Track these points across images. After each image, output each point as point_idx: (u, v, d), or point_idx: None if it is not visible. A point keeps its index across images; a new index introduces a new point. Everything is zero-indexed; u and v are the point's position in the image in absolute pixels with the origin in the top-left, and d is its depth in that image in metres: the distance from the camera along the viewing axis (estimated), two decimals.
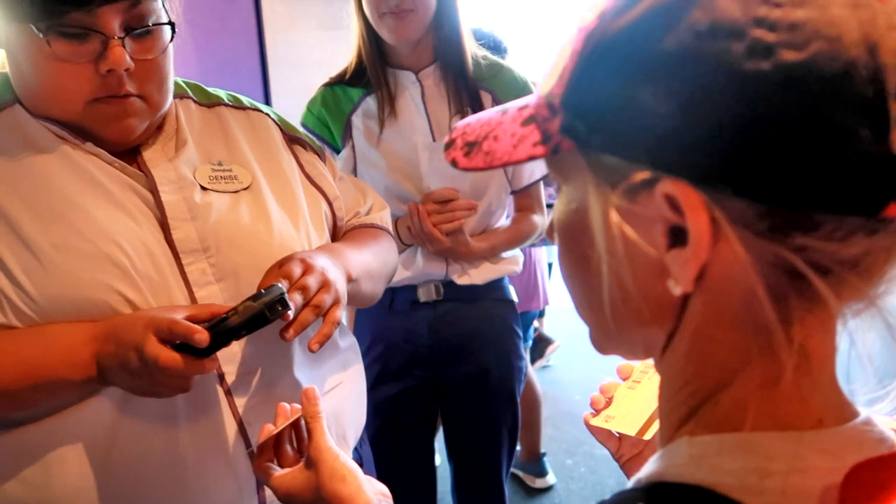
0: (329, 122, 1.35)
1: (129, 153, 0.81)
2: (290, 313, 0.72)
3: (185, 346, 0.68)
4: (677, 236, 0.33)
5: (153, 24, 0.75)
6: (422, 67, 1.33)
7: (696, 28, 0.30)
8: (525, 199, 1.47)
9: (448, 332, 1.40)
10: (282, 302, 0.71)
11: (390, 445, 1.46)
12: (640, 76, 0.32)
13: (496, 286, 1.45)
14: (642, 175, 0.32)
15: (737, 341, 0.35)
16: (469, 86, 1.32)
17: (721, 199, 0.31)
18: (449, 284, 1.39)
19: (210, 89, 0.94)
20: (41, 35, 0.69)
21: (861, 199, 0.29)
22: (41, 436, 0.73)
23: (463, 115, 1.30)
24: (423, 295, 1.39)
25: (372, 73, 1.31)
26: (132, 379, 0.69)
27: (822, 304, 0.33)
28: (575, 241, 0.38)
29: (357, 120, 1.35)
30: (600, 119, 0.33)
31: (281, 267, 0.77)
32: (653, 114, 0.31)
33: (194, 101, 0.91)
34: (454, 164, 0.40)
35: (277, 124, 0.96)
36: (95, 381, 0.71)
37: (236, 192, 0.84)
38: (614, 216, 0.34)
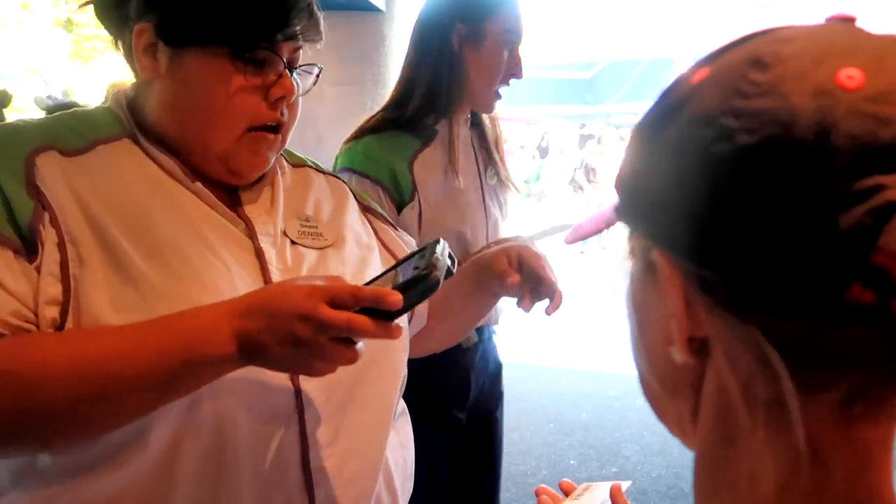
0: (397, 170, 1.31)
1: (227, 195, 0.84)
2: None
3: (366, 312, 0.64)
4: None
5: (305, 66, 0.83)
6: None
7: (686, 117, 0.33)
8: None
9: (482, 376, 1.46)
10: (451, 256, 0.70)
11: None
12: (647, 158, 0.36)
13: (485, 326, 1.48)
14: (644, 243, 0.37)
15: (750, 426, 0.33)
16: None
17: (694, 270, 0.33)
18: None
19: (295, 153, 1.00)
20: (240, 59, 0.76)
21: (812, 278, 0.29)
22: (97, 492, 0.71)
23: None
24: (466, 340, 1.38)
25: (446, 126, 1.34)
26: (293, 351, 0.65)
27: (834, 388, 0.31)
28: (628, 312, 0.41)
29: (419, 168, 1.32)
30: (627, 197, 0.38)
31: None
32: (652, 190, 0.35)
33: (286, 160, 0.96)
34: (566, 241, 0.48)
35: (353, 192, 1.01)
36: (235, 358, 0.66)
37: (322, 248, 0.87)
38: (635, 282, 0.38)
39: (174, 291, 0.72)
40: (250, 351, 0.66)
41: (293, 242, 0.84)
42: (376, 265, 0.92)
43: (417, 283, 0.65)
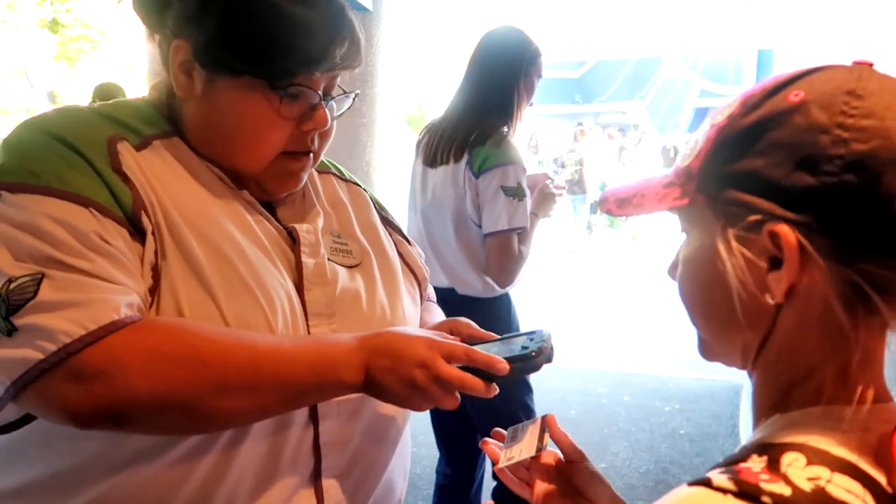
0: None
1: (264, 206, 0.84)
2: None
3: (468, 368, 0.73)
4: (774, 262, 0.47)
5: (342, 93, 0.83)
6: None
7: (797, 126, 0.46)
8: None
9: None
10: (553, 346, 0.79)
11: None
12: (757, 153, 0.47)
13: None
14: (755, 217, 0.47)
15: (817, 343, 0.48)
16: None
17: (809, 235, 0.45)
18: None
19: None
20: (278, 93, 0.75)
21: None
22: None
23: None
24: None
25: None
26: (409, 391, 0.72)
27: (880, 314, 0.46)
28: (702, 268, 0.52)
29: None
30: (727, 181, 0.49)
31: (455, 329, 0.88)
32: (763, 177, 0.47)
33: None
34: (609, 213, 0.58)
35: (372, 202, 1.01)
36: (359, 387, 0.73)
37: (351, 266, 0.88)
38: (734, 243, 0.48)
39: (242, 296, 0.73)
40: (372, 383, 0.73)
41: (328, 259, 0.85)
42: (399, 280, 0.94)
43: (524, 360, 0.75)
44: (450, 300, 1.76)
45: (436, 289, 1.72)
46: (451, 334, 0.83)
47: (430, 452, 3.11)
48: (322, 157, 0.98)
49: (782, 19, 4.19)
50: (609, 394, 3.90)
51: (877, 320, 0.47)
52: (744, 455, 0.46)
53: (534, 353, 0.75)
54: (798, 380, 0.49)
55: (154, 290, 0.70)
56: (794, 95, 0.47)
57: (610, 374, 4.16)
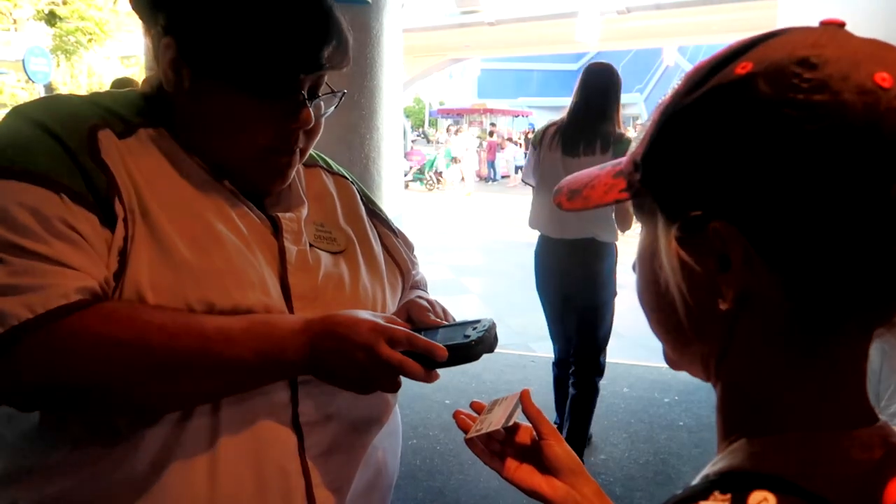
0: None
1: (249, 196, 0.85)
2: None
3: (411, 353, 0.75)
4: (725, 263, 0.40)
5: (328, 92, 0.84)
6: None
7: (741, 104, 0.39)
8: None
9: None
10: (496, 336, 0.81)
11: None
12: (698, 139, 0.40)
13: None
14: (696, 213, 0.41)
15: (781, 357, 0.41)
16: None
17: (754, 233, 0.38)
18: None
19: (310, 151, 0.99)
20: (258, 98, 0.77)
21: (871, 234, 0.36)
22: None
23: None
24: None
25: None
26: (351, 373, 0.75)
27: (848, 324, 0.39)
28: (649, 267, 0.46)
29: None
30: (669, 171, 0.42)
31: (418, 313, 0.89)
32: (705, 166, 0.40)
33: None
34: (559, 205, 0.51)
35: (359, 194, 1.03)
36: (304, 368, 0.76)
37: (335, 253, 0.90)
38: (673, 242, 0.42)
39: (212, 281, 0.74)
40: (315, 364, 0.75)
41: (311, 245, 0.87)
42: (381, 270, 0.96)
43: (465, 349, 0.77)
44: (589, 246, 2.71)
45: (577, 239, 2.70)
46: (410, 317, 0.87)
47: (428, 444, 3.12)
48: (312, 151, 0.98)
49: (780, 8, 4.17)
50: (608, 385, 3.90)
51: (853, 329, 0.40)
52: (705, 490, 0.39)
53: (474, 342, 0.77)
54: (765, 399, 0.42)
55: (119, 275, 0.71)
56: (742, 67, 0.40)
57: (609, 365, 4.15)
